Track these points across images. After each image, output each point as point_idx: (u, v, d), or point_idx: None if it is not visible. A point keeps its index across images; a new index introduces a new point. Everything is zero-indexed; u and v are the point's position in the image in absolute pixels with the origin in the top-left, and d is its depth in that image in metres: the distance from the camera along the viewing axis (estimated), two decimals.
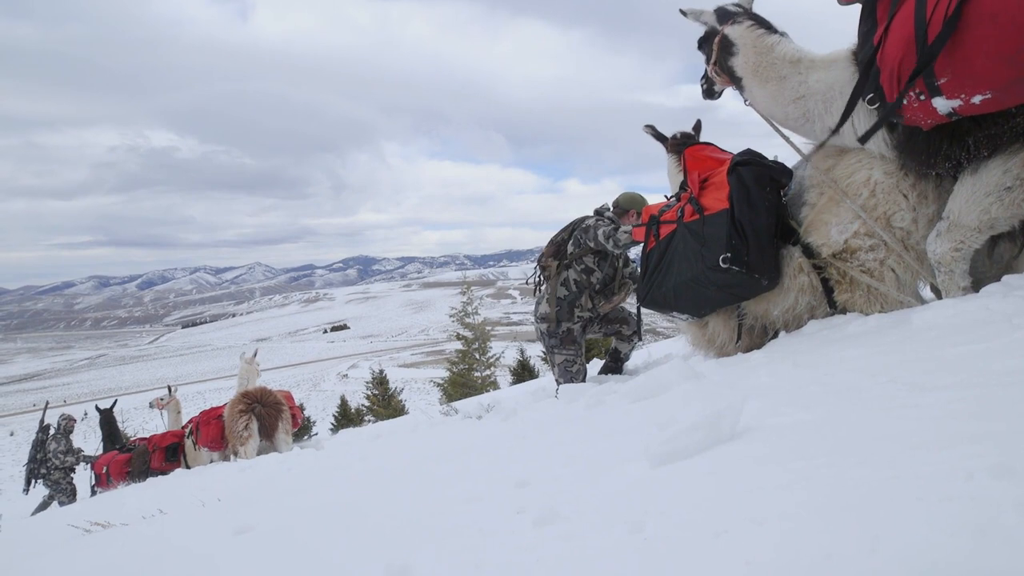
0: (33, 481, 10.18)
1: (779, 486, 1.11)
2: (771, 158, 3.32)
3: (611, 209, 4.77)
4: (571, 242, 4.71)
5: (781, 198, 3.17)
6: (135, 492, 6.12)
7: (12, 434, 55.17)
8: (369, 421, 19.69)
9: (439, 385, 21.24)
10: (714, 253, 3.09)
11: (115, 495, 6.65)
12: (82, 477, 10.23)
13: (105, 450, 9.94)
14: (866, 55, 2.51)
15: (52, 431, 10.36)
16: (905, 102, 2.37)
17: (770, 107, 3.04)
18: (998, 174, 2.38)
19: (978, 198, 2.43)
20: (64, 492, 10.03)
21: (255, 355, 8.91)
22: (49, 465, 10.09)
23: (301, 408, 9.66)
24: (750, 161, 3.17)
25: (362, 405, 23.60)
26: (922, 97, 2.31)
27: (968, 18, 2.10)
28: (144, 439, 9.56)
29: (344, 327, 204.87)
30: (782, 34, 3.03)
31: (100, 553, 2.81)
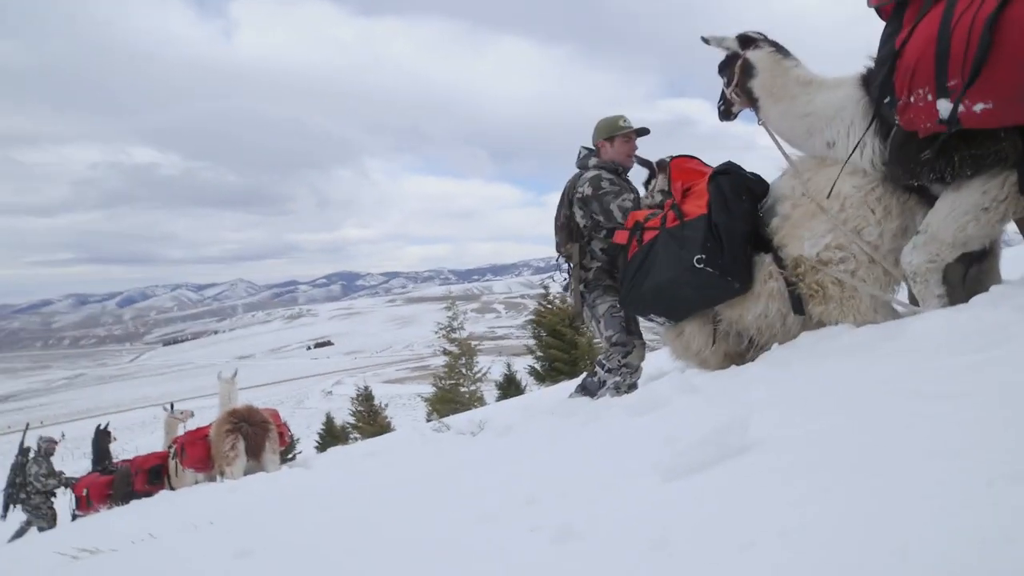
0: (11, 506, 9.92)
1: (798, 498, 1.12)
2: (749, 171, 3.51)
3: (584, 153, 4.47)
4: (579, 215, 4.28)
5: (757, 208, 3.35)
6: (120, 515, 6.00)
7: None
8: (355, 439, 19.49)
9: (426, 400, 21.12)
10: (690, 254, 3.26)
11: (99, 519, 6.51)
12: (61, 502, 9.99)
13: (93, 470, 9.73)
14: (887, 54, 2.60)
15: (32, 453, 10.13)
16: (912, 100, 2.45)
17: (779, 123, 3.24)
18: (977, 194, 2.50)
19: (956, 215, 2.54)
20: (44, 517, 9.79)
21: (235, 374, 8.78)
22: (29, 489, 9.85)
23: (286, 427, 9.54)
24: (729, 171, 3.38)
25: (347, 422, 23.37)
26: (928, 97, 2.37)
27: (999, 27, 2.17)
28: (127, 461, 9.39)
29: (328, 343, 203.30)
30: (796, 59, 3.25)
31: None
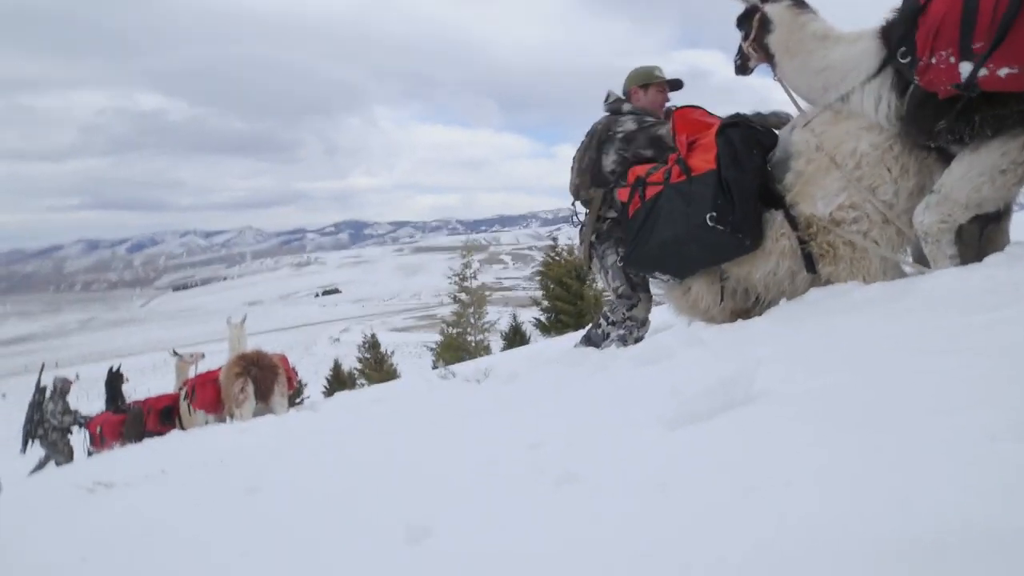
0: (30, 441, 10.21)
1: (802, 447, 1.13)
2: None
3: (615, 96, 4.35)
4: (611, 158, 4.12)
5: (766, 162, 3.26)
6: (133, 452, 6.16)
7: (3, 396, 55.12)
8: (362, 384, 19.80)
9: (431, 349, 21.33)
10: (700, 212, 3.18)
11: (113, 455, 6.69)
12: (77, 439, 10.26)
13: (108, 409, 9.96)
14: (910, 8, 2.53)
15: (49, 392, 10.37)
16: (934, 61, 2.39)
17: (795, 79, 3.18)
18: (996, 155, 2.46)
19: (972, 176, 2.51)
20: (61, 453, 10.08)
21: (244, 320, 8.88)
22: (46, 426, 10.12)
23: (295, 371, 9.68)
24: (739, 123, 3.29)
25: (354, 369, 23.70)
26: (952, 59, 2.31)
27: None
28: (139, 402, 9.58)
29: (336, 291, 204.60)
30: (814, 12, 3.16)
31: (106, 513, 2.83)
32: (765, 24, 3.20)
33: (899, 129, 2.77)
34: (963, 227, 2.72)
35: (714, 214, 3.12)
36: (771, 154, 3.28)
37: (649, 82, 4.24)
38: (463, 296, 20.07)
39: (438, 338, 20.81)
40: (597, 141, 4.20)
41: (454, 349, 18.66)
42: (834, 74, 2.96)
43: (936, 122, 2.53)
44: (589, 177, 4.22)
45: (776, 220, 3.17)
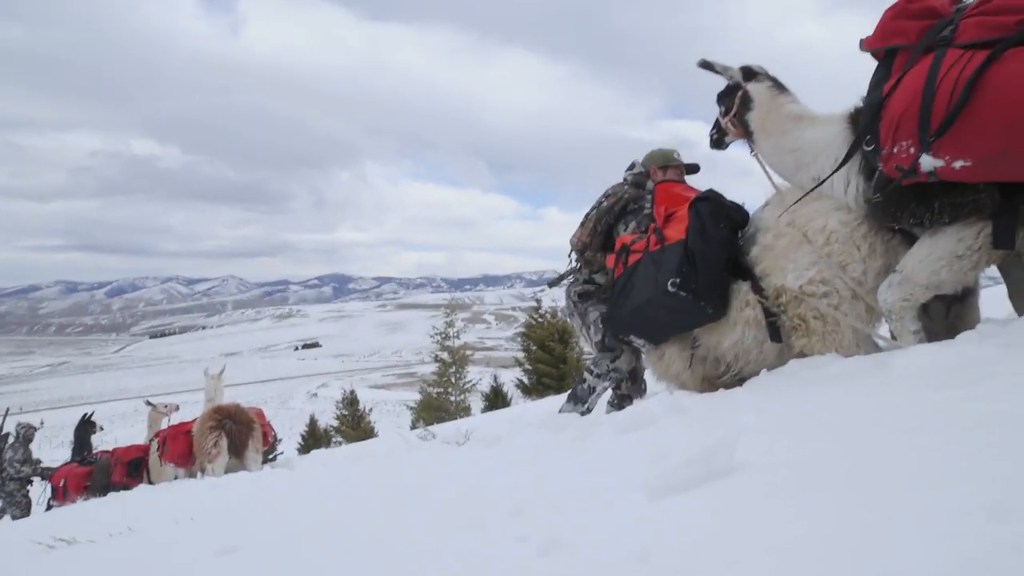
0: None
1: (782, 520, 1.14)
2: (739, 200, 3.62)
3: (640, 170, 4.55)
4: (627, 229, 4.30)
5: (736, 235, 3.44)
6: (98, 507, 5.94)
7: None
8: (338, 443, 19.37)
9: (411, 408, 21.03)
10: (666, 277, 3.35)
11: (76, 509, 6.43)
12: (36, 491, 9.87)
13: (72, 460, 9.62)
14: (874, 101, 2.66)
15: (11, 439, 10.02)
16: (895, 151, 2.52)
17: (771, 156, 3.33)
18: (953, 242, 2.59)
19: (931, 260, 2.63)
20: (18, 505, 9.67)
21: (222, 371, 8.73)
22: (4, 475, 9.74)
23: (270, 427, 9.48)
24: (709, 198, 3.48)
25: (331, 425, 23.24)
26: (911, 150, 2.44)
27: (975, 92, 2.26)
28: (107, 452, 9.29)
29: (316, 345, 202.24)
30: (792, 95, 3.33)
31: (68, 572, 2.72)
32: (746, 102, 3.36)
33: (866, 211, 2.90)
34: (929, 304, 2.82)
35: (677, 280, 3.28)
36: (744, 229, 3.45)
37: (668, 164, 4.44)
38: (444, 355, 19.96)
39: (418, 397, 20.57)
40: (620, 209, 4.38)
41: (434, 409, 18.43)
42: (805, 155, 3.11)
43: (899, 207, 2.67)
44: (601, 240, 4.38)
45: (742, 290, 3.30)
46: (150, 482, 8.00)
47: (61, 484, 8.86)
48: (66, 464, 9.62)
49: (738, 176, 3.53)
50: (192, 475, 7.64)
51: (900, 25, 2.63)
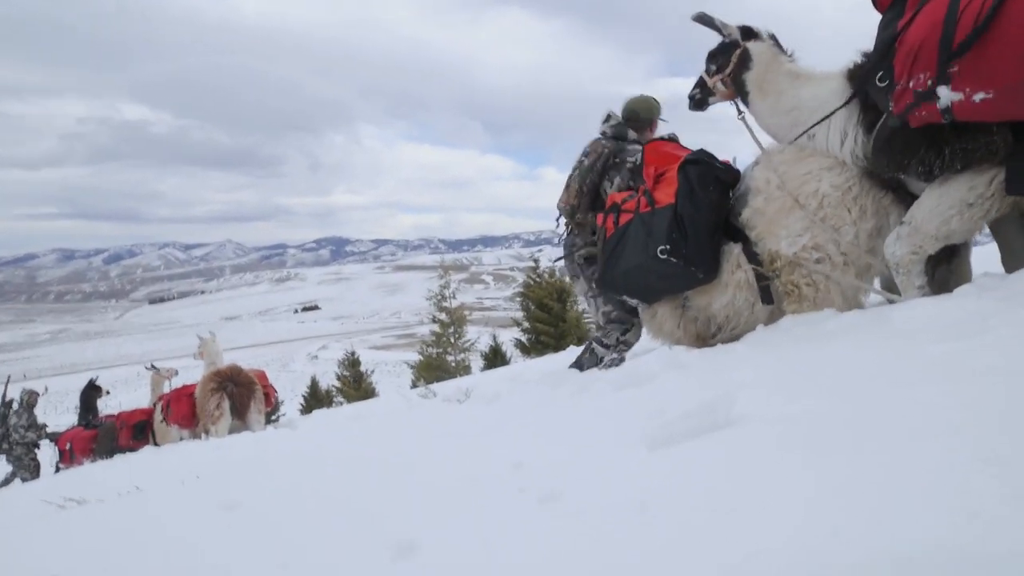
0: None
1: (780, 470, 1.16)
2: (731, 158, 3.57)
3: (618, 120, 4.45)
4: (615, 184, 4.25)
5: (726, 197, 3.38)
6: (105, 468, 6.04)
7: None
8: (339, 403, 19.59)
9: (412, 368, 21.19)
10: (656, 244, 3.32)
11: (84, 471, 6.55)
12: (45, 454, 10.02)
13: (78, 424, 9.75)
14: (887, 37, 2.56)
15: (15, 405, 10.13)
16: (911, 85, 2.40)
17: (766, 117, 3.27)
18: (964, 189, 2.51)
19: (941, 209, 2.57)
20: (27, 468, 9.82)
21: (214, 336, 8.71)
22: (11, 440, 9.87)
23: (273, 388, 9.57)
24: (698, 160, 3.39)
25: (332, 386, 23.45)
26: (929, 82, 2.33)
27: (998, 15, 2.17)
28: (112, 416, 9.40)
29: (315, 308, 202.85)
30: (791, 55, 3.28)
31: (78, 530, 2.77)
32: (744, 61, 3.27)
33: (863, 167, 2.85)
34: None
35: (667, 247, 3.26)
36: (735, 188, 3.39)
37: (654, 116, 4.40)
38: (443, 316, 20.03)
39: (417, 357, 20.71)
40: (602, 165, 4.27)
41: (433, 369, 18.57)
42: (803, 113, 3.05)
43: (906, 155, 2.57)
44: (589, 200, 4.28)
45: (733, 253, 3.29)
46: (155, 444, 8.12)
47: (68, 447, 8.99)
48: (72, 428, 9.74)
49: (738, 132, 3.45)
50: (196, 436, 7.75)
51: None
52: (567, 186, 4.40)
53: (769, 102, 3.21)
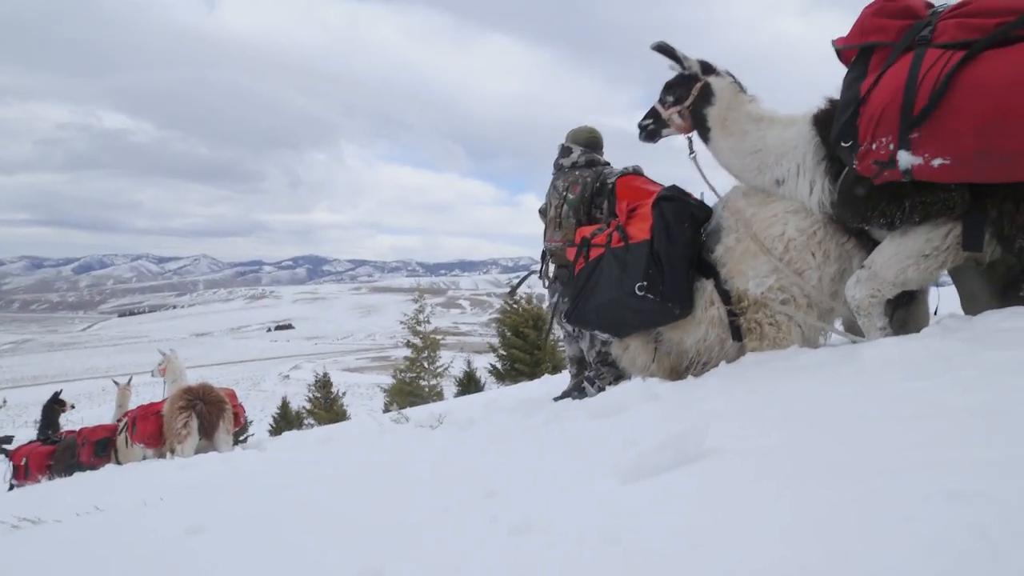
0: None
1: (749, 504, 1.17)
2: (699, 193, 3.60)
3: (583, 149, 4.53)
4: (602, 211, 4.37)
5: (699, 234, 3.43)
6: (64, 487, 5.86)
7: None
8: (310, 425, 19.27)
9: (384, 392, 20.96)
10: (632, 280, 3.33)
11: (40, 489, 6.34)
12: None
13: (37, 439, 9.43)
14: (850, 99, 2.64)
15: None
16: (874, 147, 2.52)
17: (729, 158, 3.28)
18: (921, 241, 2.63)
19: (900, 258, 2.69)
20: None
21: (175, 353, 8.49)
22: None
23: (242, 408, 9.39)
24: (673, 197, 3.43)
25: (303, 407, 23.09)
26: (890, 146, 2.45)
27: (955, 86, 2.29)
28: (73, 432, 9.13)
29: (289, 327, 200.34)
30: (752, 96, 3.32)
31: (32, 552, 2.68)
32: (707, 95, 3.29)
33: (827, 214, 2.93)
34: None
35: (644, 283, 3.28)
36: (707, 224, 3.44)
37: (602, 142, 4.57)
38: (416, 340, 19.90)
39: (391, 381, 20.51)
40: (590, 194, 4.33)
41: (406, 394, 18.39)
42: (768, 156, 3.11)
43: (868, 207, 2.70)
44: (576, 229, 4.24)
45: (707, 290, 3.33)
46: (118, 462, 7.90)
47: (23, 463, 8.69)
48: (30, 443, 9.44)
49: (713, 167, 3.48)
50: (161, 456, 7.55)
51: (880, 23, 2.64)
52: (558, 224, 4.41)
53: (732, 141, 3.23)
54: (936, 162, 2.36)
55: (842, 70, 2.82)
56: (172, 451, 7.32)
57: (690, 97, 3.33)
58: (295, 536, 1.74)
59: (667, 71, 3.46)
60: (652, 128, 3.52)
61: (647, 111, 3.55)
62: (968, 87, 2.27)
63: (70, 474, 7.59)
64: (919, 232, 2.63)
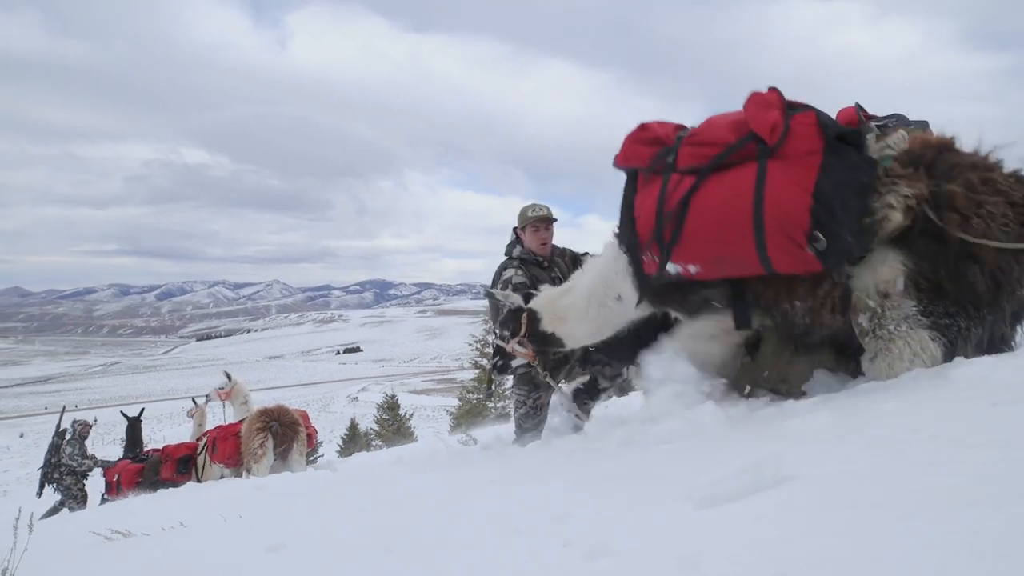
0: (46, 485, 10.22)
1: (829, 532, 1.13)
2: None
3: (512, 241, 4.62)
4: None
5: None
6: (150, 502, 6.15)
7: (21, 436, 55.45)
8: (377, 446, 19.61)
9: (450, 413, 21.14)
10: None
11: (129, 504, 6.68)
12: (94, 485, 10.25)
13: (125, 457, 9.97)
14: (628, 217, 3.13)
15: (68, 435, 10.44)
16: (646, 260, 3.02)
17: (585, 329, 3.61)
18: (706, 325, 3.12)
19: (694, 339, 3.17)
20: (75, 498, 10.05)
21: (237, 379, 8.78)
22: (62, 470, 10.14)
23: (314, 429, 9.65)
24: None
25: (371, 429, 23.52)
26: (657, 259, 2.94)
27: (690, 209, 2.80)
28: (157, 450, 9.59)
29: (357, 349, 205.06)
30: (557, 287, 3.90)
31: (124, 563, 2.83)
32: (535, 317, 3.73)
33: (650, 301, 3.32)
34: (792, 363, 3.22)
35: None
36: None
37: (524, 224, 4.46)
38: (484, 362, 20.02)
39: (457, 402, 20.67)
40: (492, 287, 4.39)
41: (473, 415, 18.49)
42: (599, 291, 3.43)
43: (665, 299, 3.16)
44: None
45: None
46: (198, 480, 8.24)
47: (115, 479, 9.18)
48: (120, 460, 9.97)
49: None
50: (238, 475, 7.83)
51: (636, 150, 3.11)
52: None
53: (574, 320, 3.58)
54: (692, 268, 2.88)
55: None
56: (248, 470, 7.58)
57: (521, 327, 3.76)
58: (373, 557, 1.77)
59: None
60: (502, 364, 4.09)
61: (494, 350, 4.15)
62: (697, 209, 2.78)
63: (155, 490, 7.96)
64: (703, 318, 3.09)
